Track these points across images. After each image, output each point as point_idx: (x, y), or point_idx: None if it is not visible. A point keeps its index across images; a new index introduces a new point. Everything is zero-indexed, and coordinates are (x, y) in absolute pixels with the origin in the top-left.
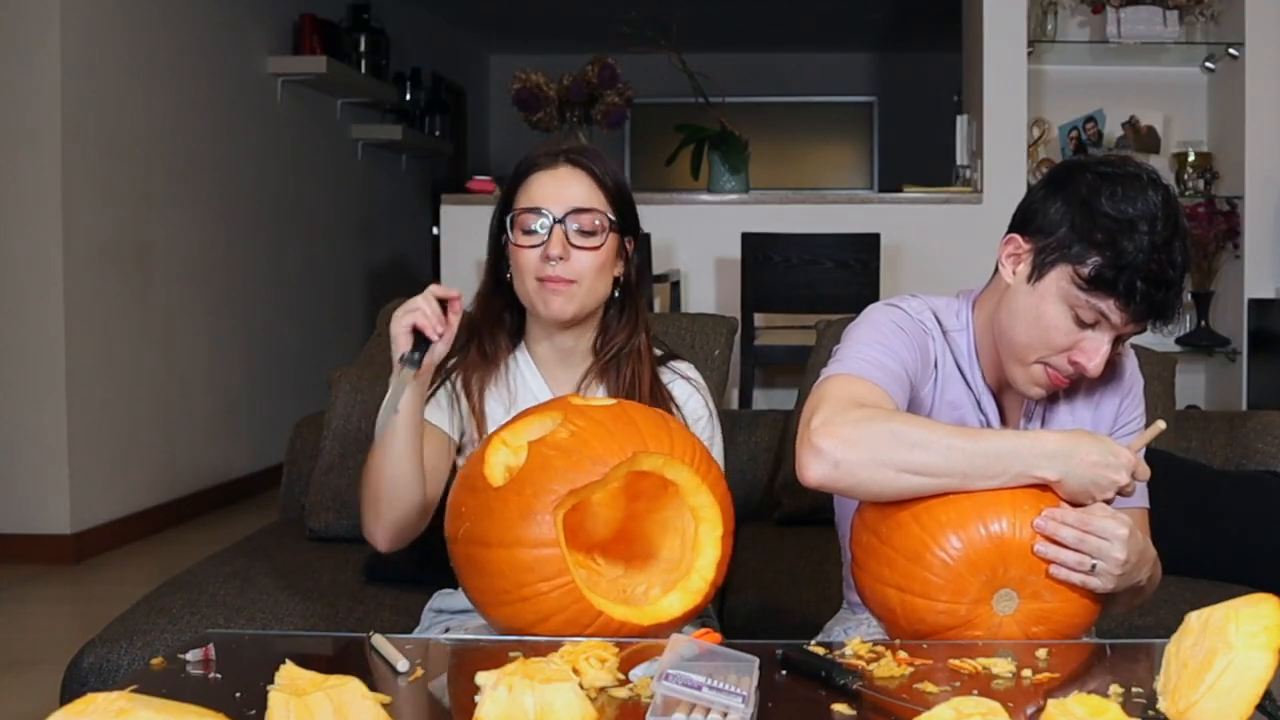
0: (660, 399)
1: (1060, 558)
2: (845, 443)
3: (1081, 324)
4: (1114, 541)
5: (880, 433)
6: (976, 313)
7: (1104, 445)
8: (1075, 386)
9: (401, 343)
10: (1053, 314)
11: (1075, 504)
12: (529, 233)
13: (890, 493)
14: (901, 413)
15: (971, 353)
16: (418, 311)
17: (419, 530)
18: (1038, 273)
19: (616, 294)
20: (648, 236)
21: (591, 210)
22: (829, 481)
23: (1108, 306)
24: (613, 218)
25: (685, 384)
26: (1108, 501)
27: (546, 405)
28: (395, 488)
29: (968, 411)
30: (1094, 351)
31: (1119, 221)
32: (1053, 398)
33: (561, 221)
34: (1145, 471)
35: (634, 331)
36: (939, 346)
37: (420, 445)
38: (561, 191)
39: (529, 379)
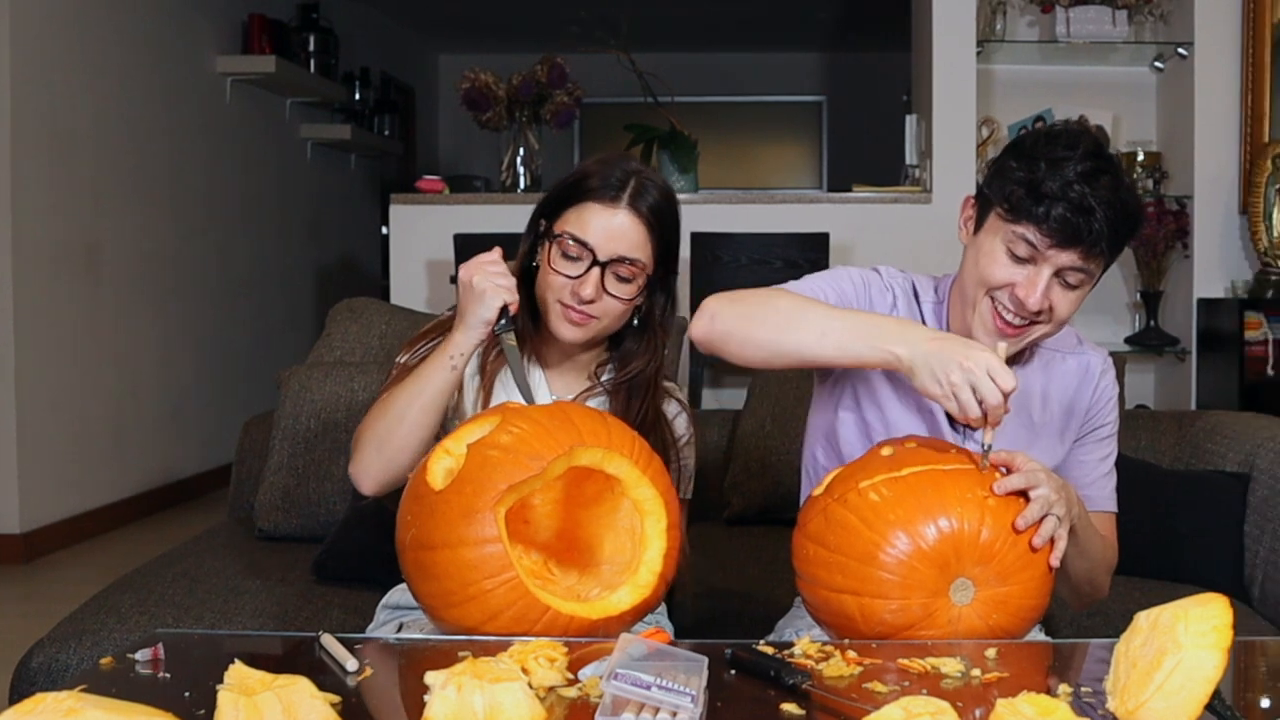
0: (663, 421)
1: (1030, 515)
2: (726, 301)
3: (1016, 259)
4: (1039, 470)
5: (759, 296)
6: (952, 289)
7: (971, 342)
8: (1051, 375)
9: (495, 315)
10: (989, 250)
11: (930, 395)
12: (568, 259)
13: (755, 349)
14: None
15: (943, 325)
16: (507, 292)
17: (402, 482)
18: (978, 221)
19: (635, 322)
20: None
21: (635, 261)
22: (705, 333)
23: (1030, 233)
24: (652, 268)
25: (675, 403)
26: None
27: (486, 412)
28: (416, 431)
29: None
30: (1031, 285)
31: (1039, 159)
32: (1016, 360)
33: (604, 265)
34: (1005, 380)
35: (651, 359)
36: (902, 307)
37: (448, 402)
38: (613, 236)
39: (532, 376)
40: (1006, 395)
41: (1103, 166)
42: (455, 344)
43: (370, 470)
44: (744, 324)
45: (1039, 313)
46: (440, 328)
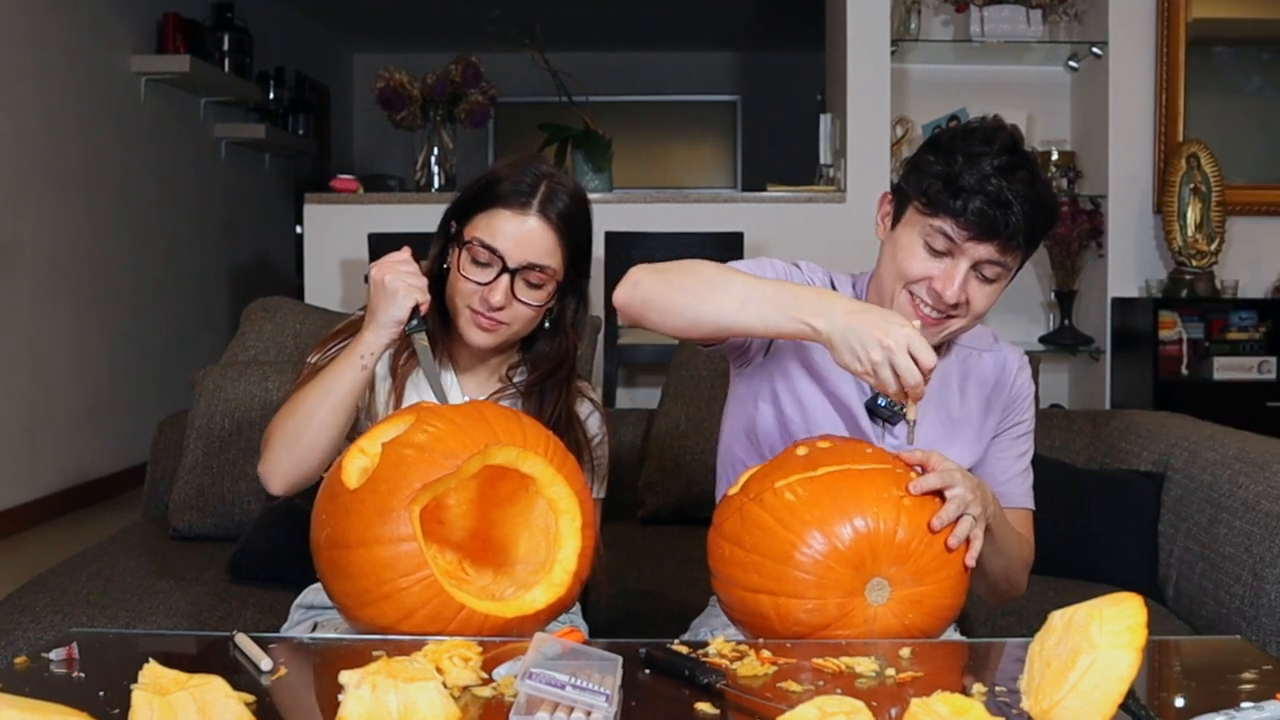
0: (576, 422)
1: (946, 515)
2: (650, 270)
3: (934, 252)
4: (955, 469)
5: (683, 264)
6: (869, 286)
7: (890, 314)
8: (968, 371)
9: (407, 315)
10: (906, 243)
11: (849, 370)
12: (478, 265)
13: (675, 315)
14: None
15: None
16: (419, 292)
17: (311, 482)
18: (896, 216)
19: (547, 324)
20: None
21: (544, 267)
22: (626, 300)
23: (948, 226)
24: (562, 273)
25: (588, 403)
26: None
27: (401, 411)
28: (326, 431)
29: (839, 380)
30: (948, 278)
31: (957, 153)
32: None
33: (513, 273)
34: (925, 357)
35: (563, 362)
36: None
37: (358, 401)
38: (523, 243)
39: (444, 378)
40: (927, 373)
41: (1019, 161)
42: (366, 343)
43: (279, 469)
44: (665, 290)
45: (956, 305)
46: (351, 328)
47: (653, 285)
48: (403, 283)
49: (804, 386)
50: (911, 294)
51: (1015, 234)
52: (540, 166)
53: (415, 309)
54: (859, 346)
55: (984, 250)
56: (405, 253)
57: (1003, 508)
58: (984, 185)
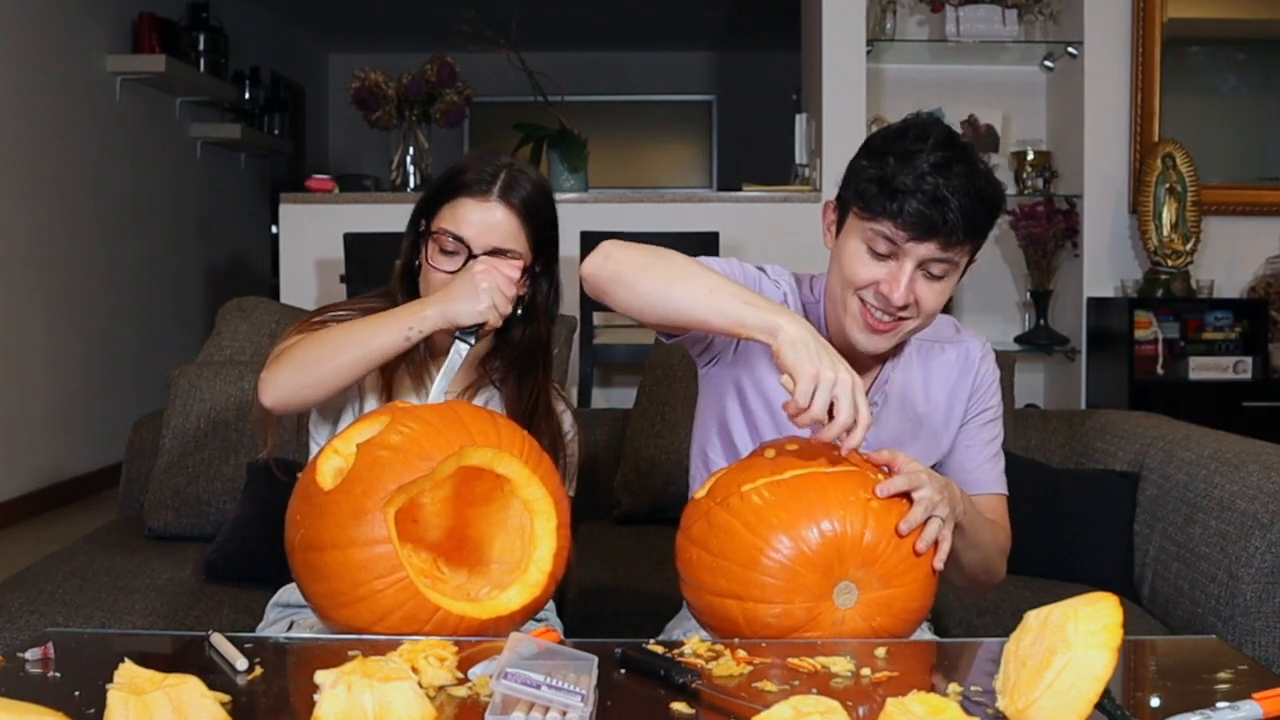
0: (552, 416)
1: (913, 519)
2: (622, 245)
3: (878, 256)
4: (921, 470)
5: (657, 248)
6: (825, 294)
7: (835, 353)
8: (931, 366)
9: (471, 325)
10: (851, 250)
11: (788, 368)
12: (445, 254)
13: (640, 296)
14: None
15: (821, 324)
16: (496, 316)
17: (301, 410)
18: (839, 224)
19: (519, 311)
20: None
21: (510, 251)
22: (595, 272)
23: (888, 229)
24: (529, 257)
25: (560, 401)
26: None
27: (375, 411)
28: (342, 374)
29: None
30: (894, 281)
31: (890, 154)
32: (893, 354)
33: (478, 258)
34: (864, 414)
35: (536, 347)
36: (792, 303)
37: (380, 365)
38: (487, 228)
39: (422, 372)
40: (852, 427)
41: (955, 156)
42: (424, 317)
43: (280, 387)
44: (635, 270)
45: (905, 307)
46: (360, 305)
47: (623, 262)
48: (491, 296)
49: (770, 383)
50: (862, 300)
51: (955, 230)
52: (501, 157)
53: (481, 325)
54: (820, 356)
55: (926, 249)
56: (517, 270)
57: (976, 495)
58: (920, 184)
